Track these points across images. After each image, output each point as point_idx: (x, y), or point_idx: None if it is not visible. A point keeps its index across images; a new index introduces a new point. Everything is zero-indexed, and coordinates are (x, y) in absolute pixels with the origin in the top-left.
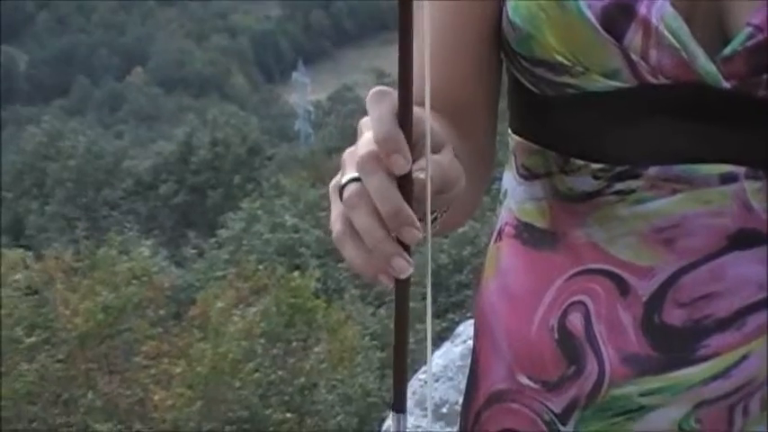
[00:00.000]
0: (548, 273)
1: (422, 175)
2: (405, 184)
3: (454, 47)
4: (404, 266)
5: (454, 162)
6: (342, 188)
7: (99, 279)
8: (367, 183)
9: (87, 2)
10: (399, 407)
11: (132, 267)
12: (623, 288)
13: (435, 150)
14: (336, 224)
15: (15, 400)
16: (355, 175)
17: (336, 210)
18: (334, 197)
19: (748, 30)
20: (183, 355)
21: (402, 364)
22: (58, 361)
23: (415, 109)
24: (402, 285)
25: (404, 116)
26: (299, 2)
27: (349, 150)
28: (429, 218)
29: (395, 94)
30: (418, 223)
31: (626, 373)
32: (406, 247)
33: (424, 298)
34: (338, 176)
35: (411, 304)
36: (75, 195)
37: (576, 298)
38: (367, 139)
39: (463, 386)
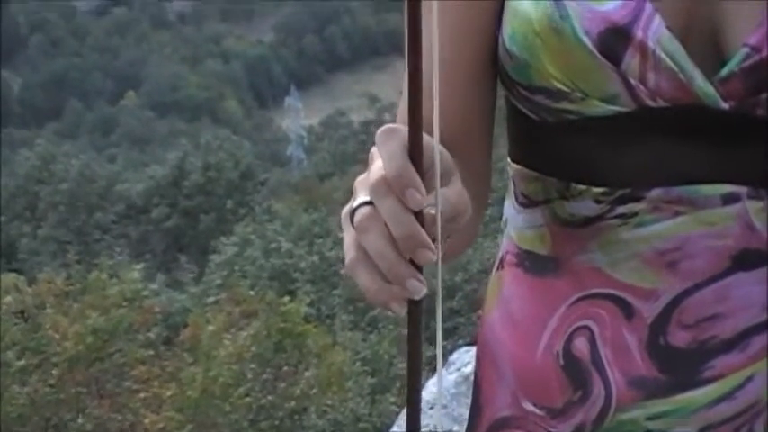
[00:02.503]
0: (551, 299)
1: (432, 211)
2: (416, 213)
3: (450, 76)
4: (419, 288)
5: (462, 192)
6: (353, 212)
7: (89, 303)
8: (380, 206)
9: (81, 26)
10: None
11: (122, 291)
12: (628, 311)
13: (444, 177)
14: (350, 251)
15: (7, 423)
16: (366, 198)
17: (349, 237)
18: (346, 225)
19: (745, 50)
20: (173, 378)
21: (415, 389)
22: (49, 385)
23: (424, 137)
24: (415, 309)
25: (414, 150)
26: (292, 27)
27: (360, 178)
28: (440, 246)
29: (403, 130)
30: (432, 245)
31: (633, 397)
32: (418, 269)
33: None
34: (350, 204)
35: (403, 331)
36: (68, 219)
37: (580, 323)
38: (378, 166)
39: (457, 413)
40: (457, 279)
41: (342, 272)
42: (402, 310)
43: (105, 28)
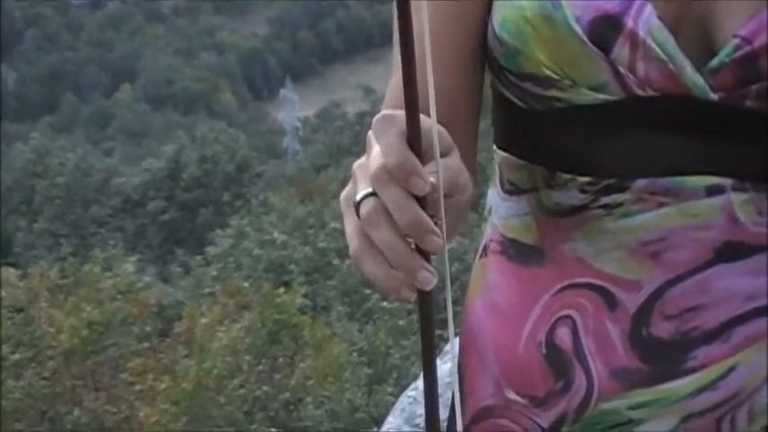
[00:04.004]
0: (534, 288)
1: (432, 179)
2: (420, 197)
3: (438, 62)
4: (429, 279)
5: (461, 164)
6: (357, 204)
7: (84, 296)
8: (383, 195)
9: (76, 19)
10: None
11: (116, 284)
12: (610, 302)
13: (444, 154)
14: (353, 240)
15: (2, 417)
16: (369, 189)
17: (352, 224)
18: (346, 210)
19: (735, 41)
20: (168, 371)
21: (432, 378)
22: (44, 378)
23: (421, 117)
24: (426, 297)
25: (412, 135)
26: (286, 19)
27: (359, 162)
28: (444, 221)
29: (400, 116)
30: (438, 231)
31: (615, 387)
32: (426, 258)
33: (410, 314)
34: (349, 188)
35: (399, 322)
36: (64, 213)
37: (563, 312)
38: (378, 152)
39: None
40: (453, 269)
41: (335, 262)
42: (412, 297)
43: (100, 22)
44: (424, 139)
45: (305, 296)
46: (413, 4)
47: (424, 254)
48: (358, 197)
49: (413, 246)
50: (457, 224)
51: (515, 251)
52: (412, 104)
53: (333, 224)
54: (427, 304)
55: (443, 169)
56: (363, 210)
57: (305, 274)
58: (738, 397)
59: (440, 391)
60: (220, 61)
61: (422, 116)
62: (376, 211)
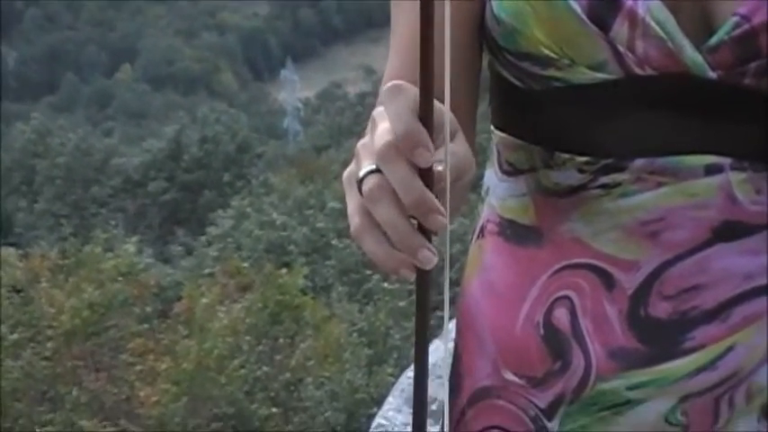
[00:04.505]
0: (532, 269)
1: (440, 167)
2: (425, 173)
3: (437, 42)
4: (430, 257)
5: (467, 148)
6: (360, 181)
7: (84, 277)
8: (388, 173)
9: None
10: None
11: (117, 265)
12: (608, 282)
13: (450, 137)
14: (355, 217)
15: (1, 397)
16: (373, 166)
17: (354, 202)
18: (348, 188)
19: (734, 19)
20: (168, 351)
21: (423, 359)
22: (44, 358)
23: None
24: (424, 276)
25: (425, 108)
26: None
27: (362, 141)
28: (448, 207)
29: (410, 88)
30: (442, 209)
31: (613, 368)
32: (427, 237)
33: (410, 295)
34: (352, 167)
35: (399, 303)
36: (65, 193)
37: (561, 293)
38: (384, 129)
39: None
40: (453, 250)
41: (334, 243)
42: (412, 276)
43: (100, 1)
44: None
45: (305, 277)
46: None
47: (426, 233)
48: (361, 173)
49: (414, 225)
50: (459, 206)
51: (513, 232)
52: (428, 85)
53: (332, 204)
54: (425, 285)
55: (450, 155)
56: (366, 186)
57: (305, 254)
58: (737, 377)
59: (439, 372)
60: (221, 41)
61: None
62: (379, 188)
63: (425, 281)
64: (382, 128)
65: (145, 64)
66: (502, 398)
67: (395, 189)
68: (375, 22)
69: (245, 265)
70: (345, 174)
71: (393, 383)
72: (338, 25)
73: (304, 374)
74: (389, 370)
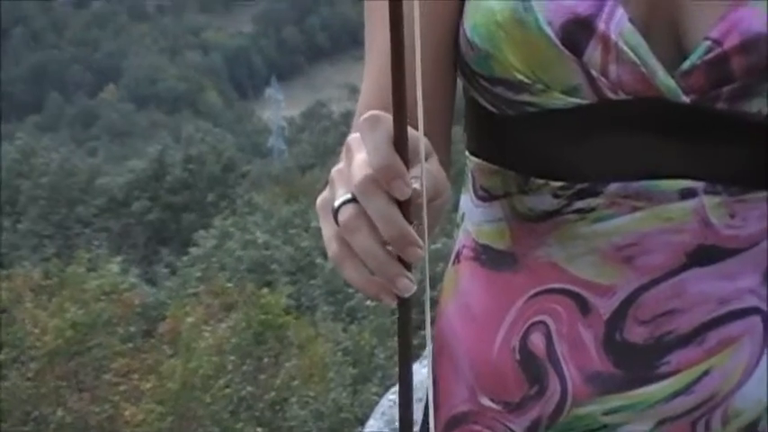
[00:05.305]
0: (508, 294)
1: (416, 185)
2: (403, 202)
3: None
4: (408, 286)
5: (441, 170)
6: (336, 210)
7: (68, 296)
8: (368, 206)
9: (60, 18)
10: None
11: (101, 284)
12: (584, 307)
13: (425, 158)
14: (332, 244)
15: None
16: (348, 196)
17: (329, 230)
18: (323, 215)
19: (706, 43)
20: (153, 371)
21: (407, 385)
22: (28, 379)
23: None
24: (404, 308)
25: (399, 138)
26: (271, 18)
27: (338, 168)
28: (426, 230)
29: (387, 118)
30: (421, 242)
31: (589, 392)
32: (406, 265)
33: (394, 314)
34: (326, 193)
35: (383, 321)
36: (48, 213)
37: (537, 318)
38: (361, 161)
39: None
40: (437, 269)
41: (318, 262)
42: (393, 302)
43: (84, 20)
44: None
45: (289, 296)
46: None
47: (404, 260)
48: (336, 203)
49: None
50: (434, 227)
51: (488, 257)
52: (400, 108)
53: (317, 223)
54: (407, 311)
55: (426, 175)
56: (342, 216)
57: (289, 273)
58: (713, 401)
59: (420, 394)
60: (205, 60)
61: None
62: (356, 218)
63: (407, 308)
64: (360, 159)
65: (129, 83)
66: (479, 423)
67: (373, 221)
68: (360, 40)
69: (230, 284)
70: (320, 200)
71: (378, 402)
72: (323, 44)
73: (289, 394)
74: (374, 389)
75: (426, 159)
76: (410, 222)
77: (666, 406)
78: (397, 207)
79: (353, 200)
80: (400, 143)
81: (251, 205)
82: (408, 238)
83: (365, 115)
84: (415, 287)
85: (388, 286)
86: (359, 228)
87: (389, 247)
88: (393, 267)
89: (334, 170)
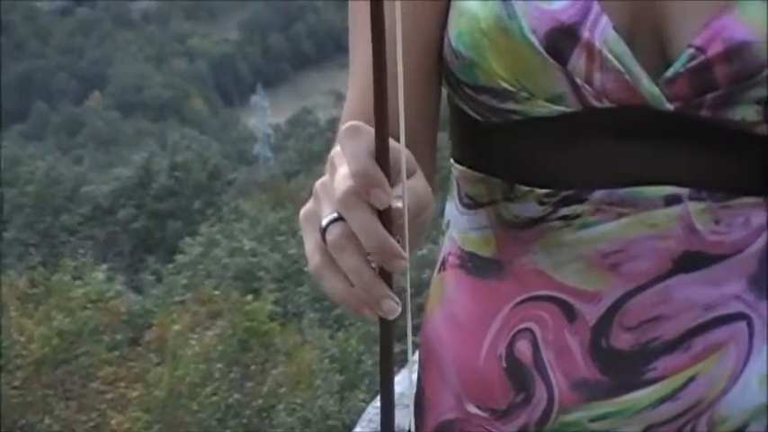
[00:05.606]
0: (494, 301)
1: (399, 204)
2: (383, 213)
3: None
4: (393, 308)
5: (426, 185)
6: (324, 230)
7: (54, 305)
8: (350, 219)
9: (44, 26)
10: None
11: (87, 293)
12: (570, 314)
13: (409, 175)
14: (315, 256)
15: None
16: (335, 215)
17: (311, 241)
18: (307, 226)
19: (690, 51)
20: (139, 379)
21: (389, 398)
22: (14, 387)
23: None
24: (386, 328)
25: (381, 149)
26: (257, 25)
27: (321, 181)
28: (407, 245)
29: (367, 129)
30: (404, 253)
31: (575, 399)
32: (388, 281)
33: (381, 318)
34: (309, 206)
35: (370, 328)
36: (34, 221)
37: (523, 325)
38: (343, 174)
39: None
40: (424, 276)
41: (305, 269)
42: (374, 315)
43: (69, 28)
44: (390, 158)
45: (276, 303)
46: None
47: (387, 278)
48: (324, 222)
49: (375, 267)
50: (419, 240)
51: (474, 265)
52: (382, 121)
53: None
54: (388, 323)
55: (409, 193)
56: (330, 236)
57: (276, 280)
58: (699, 407)
59: (406, 401)
60: (191, 67)
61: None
62: (343, 237)
63: (388, 323)
64: (342, 172)
65: (114, 91)
66: (465, 430)
67: (357, 235)
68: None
69: (216, 292)
70: (303, 212)
71: (365, 409)
72: (308, 51)
73: (276, 401)
74: (361, 396)
75: (409, 177)
76: (393, 235)
77: (653, 412)
78: (379, 219)
79: (340, 218)
80: (382, 155)
81: (237, 212)
82: (391, 250)
83: (345, 126)
84: (399, 309)
85: (371, 304)
86: (346, 246)
87: (374, 264)
88: (378, 288)
89: (317, 183)
